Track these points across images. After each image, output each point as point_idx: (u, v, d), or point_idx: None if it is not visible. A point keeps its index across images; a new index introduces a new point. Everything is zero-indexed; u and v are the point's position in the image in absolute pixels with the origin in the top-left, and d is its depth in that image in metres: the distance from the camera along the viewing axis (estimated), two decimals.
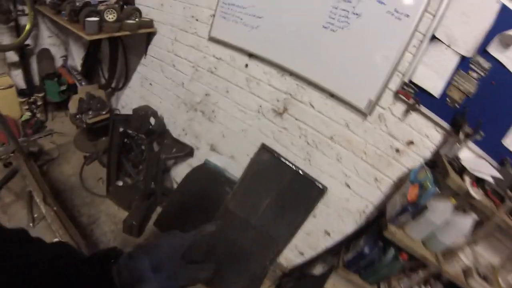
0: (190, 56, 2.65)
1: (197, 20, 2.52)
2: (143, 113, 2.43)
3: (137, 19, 2.68)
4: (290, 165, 2.18)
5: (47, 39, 3.52)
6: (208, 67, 2.55)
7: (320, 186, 2.08)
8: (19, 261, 0.48)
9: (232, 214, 2.31)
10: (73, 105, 3.19)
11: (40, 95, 3.51)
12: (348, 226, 2.08)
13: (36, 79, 3.62)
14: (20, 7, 3.09)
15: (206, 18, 2.45)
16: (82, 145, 3.54)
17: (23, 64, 3.37)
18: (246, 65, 2.31)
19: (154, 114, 2.58)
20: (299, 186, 2.14)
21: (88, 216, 2.82)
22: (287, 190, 2.18)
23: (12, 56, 3.28)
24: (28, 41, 3.24)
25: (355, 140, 1.96)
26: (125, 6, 2.63)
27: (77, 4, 2.44)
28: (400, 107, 1.80)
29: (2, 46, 2.97)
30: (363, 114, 1.89)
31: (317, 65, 1.95)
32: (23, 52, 3.30)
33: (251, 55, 2.26)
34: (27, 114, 3.45)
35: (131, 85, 3.37)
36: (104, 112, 3.26)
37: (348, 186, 2.04)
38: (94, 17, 2.28)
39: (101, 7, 2.48)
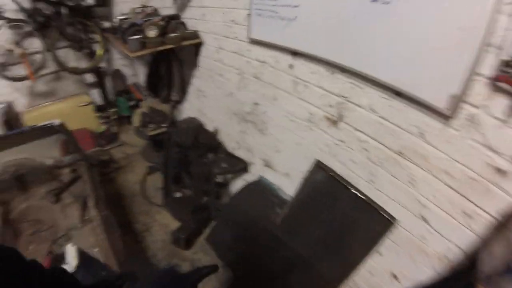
0: (235, 63, 2.49)
1: (236, 23, 2.34)
2: (186, 126, 2.37)
3: (181, 32, 2.68)
4: (350, 187, 1.79)
5: (118, 61, 3.87)
6: (252, 72, 2.35)
7: (387, 217, 1.66)
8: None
9: (279, 242, 2.05)
10: (136, 119, 3.39)
11: (114, 110, 3.84)
12: (422, 272, 1.58)
13: (111, 96, 4.00)
14: (91, 36, 3.45)
15: (243, 19, 2.25)
16: (148, 155, 3.73)
17: (99, 83, 3.74)
18: (291, 66, 2.01)
19: (198, 127, 2.50)
20: (361, 215, 1.74)
21: (143, 223, 2.91)
22: (345, 218, 1.81)
23: (90, 78, 3.67)
24: (102, 64, 3.59)
25: (433, 156, 1.43)
26: (171, 21, 2.66)
27: (125, 26, 2.57)
28: (502, 102, 1.15)
29: (80, 69, 3.33)
30: (444, 117, 1.31)
31: (372, 54, 1.45)
32: (99, 73, 3.65)
33: (294, 53, 1.95)
34: (103, 127, 3.81)
35: (188, 98, 3.41)
36: (164, 125, 3.37)
37: (424, 219, 1.55)
38: (137, 35, 2.35)
39: (144, 25, 2.55)
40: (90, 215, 2.20)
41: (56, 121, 2.41)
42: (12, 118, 3.45)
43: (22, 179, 2.67)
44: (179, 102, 3.54)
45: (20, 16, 3.17)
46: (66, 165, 2.78)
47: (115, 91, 3.92)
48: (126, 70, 4.01)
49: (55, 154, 2.76)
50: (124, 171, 3.51)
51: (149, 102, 3.57)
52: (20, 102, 3.51)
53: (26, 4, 3.09)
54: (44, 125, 2.40)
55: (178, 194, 3.15)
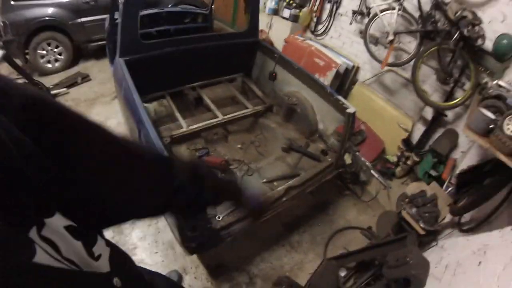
0: None
1: None
2: None
3: None
4: None
5: (463, 120, 2.98)
6: None
7: None
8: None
9: None
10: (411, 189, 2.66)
11: (415, 158, 3.26)
12: None
13: (425, 146, 3.37)
14: (463, 80, 2.81)
15: None
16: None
17: (430, 126, 3.21)
18: None
19: None
20: None
21: None
22: None
23: (428, 113, 3.20)
24: (449, 112, 2.99)
25: None
26: None
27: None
28: None
29: (428, 100, 2.92)
30: None
31: None
32: (439, 116, 3.09)
33: None
34: (392, 157, 3.39)
35: None
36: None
37: None
38: None
39: None
40: None
41: (352, 109, 2.35)
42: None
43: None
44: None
45: (414, 13, 3.05)
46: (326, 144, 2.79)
47: (436, 146, 3.23)
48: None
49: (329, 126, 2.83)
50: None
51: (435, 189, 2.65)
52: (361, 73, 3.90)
53: (426, 7, 2.90)
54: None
55: None
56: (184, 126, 2.63)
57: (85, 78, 5.11)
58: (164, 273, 2.31)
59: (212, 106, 2.93)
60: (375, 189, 3.10)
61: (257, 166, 2.50)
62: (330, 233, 2.71)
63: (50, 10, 4.98)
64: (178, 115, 2.76)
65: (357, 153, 2.68)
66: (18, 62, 4.87)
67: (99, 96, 4.61)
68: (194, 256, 2.47)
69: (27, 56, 5.12)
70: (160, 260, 2.45)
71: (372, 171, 2.84)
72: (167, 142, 2.45)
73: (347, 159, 2.71)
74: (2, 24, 4.71)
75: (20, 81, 3.64)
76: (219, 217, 1.94)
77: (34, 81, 4.16)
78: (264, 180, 2.38)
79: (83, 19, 5.21)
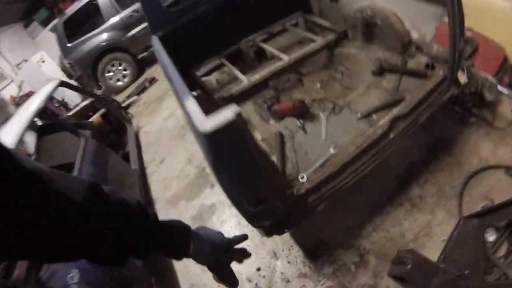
0: None
1: None
2: None
3: None
4: None
5: None
6: None
7: None
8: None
9: None
10: None
11: None
12: None
13: None
14: None
15: None
16: None
17: None
18: None
19: None
20: None
21: None
22: None
23: None
24: None
25: None
26: None
27: None
28: None
29: None
30: None
31: None
32: None
33: None
34: None
35: None
36: None
37: None
38: None
39: None
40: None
41: None
42: None
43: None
44: None
45: None
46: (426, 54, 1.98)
47: None
48: None
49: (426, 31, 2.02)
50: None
51: None
52: None
53: None
54: None
55: None
56: (245, 80, 2.20)
57: (152, 80, 5.35)
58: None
59: (276, 52, 2.42)
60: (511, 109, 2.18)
61: (345, 101, 1.85)
62: (462, 180, 1.91)
63: (103, 37, 5.31)
64: (237, 72, 2.34)
65: (471, 68, 1.96)
66: (96, 90, 5.39)
67: (166, 91, 4.61)
68: (286, 236, 2.04)
69: (100, 84, 5.58)
70: (245, 244, 2.10)
71: (500, 88, 2.04)
72: (221, 103, 2.06)
73: (460, 77, 1.94)
74: (69, 65, 5.23)
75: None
76: (302, 177, 1.42)
77: (109, 99, 4.34)
78: (359, 115, 1.75)
79: (133, 32, 5.40)
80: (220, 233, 0.82)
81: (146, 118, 4.43)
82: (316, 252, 1.88)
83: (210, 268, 0.80)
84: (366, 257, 1.76)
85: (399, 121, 1.57)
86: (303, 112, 1.82)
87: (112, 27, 5.31)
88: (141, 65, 5.83)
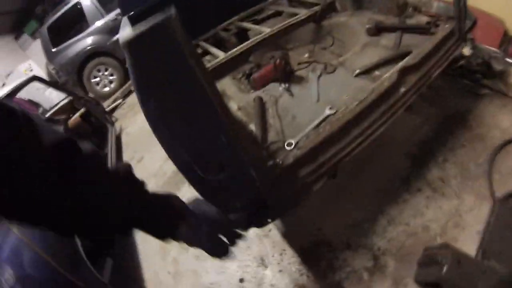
0: None
1: None
2: None
3: None
4: None
5: None
6: None
7: None
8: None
9: None
10: None
11: None
12: None
13: None
14: None
15: None
16: None
17: None
18: None
19: None
20: None
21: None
22: None
23: None
24: None
25: None
26: None
27: None
28: None
29: None
30: None
31: None
32: None
33: None
34: None
35: None
36: None
37: None
38: None
39: None
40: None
41: None
42: None
43: None
44: None
45: None
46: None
47: None
48: None
49: None
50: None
51: None
52: None
53: None
54: None
55: None
56: (221, 55, 1.83)
57: None
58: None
59: (257, 27, 2.07)
60: None
61: (339, 61, 1.53)
62: (487, 155, 1.54)
63: (87, 41, 5.08)
64: (212, 49, 1.97)
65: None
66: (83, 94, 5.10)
67: None
68: (277, 237, 1.64)
69: (86, 90, 5.29)
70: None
71: (507, 59, 1.94)
72: None
73: (465, 51, 1.94)
74: (53, 71, 4.98)
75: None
76: (290, 144, 1.05)
77: (89, 99, 4.02)
78: (357, 71, 1.38)
79: (118, 35, 5.15)
80: (213, 209, 0.70)
81: (129, 120, 4.16)
82: (316, 256, 1.48)
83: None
84: (382, 259, 1.35)
85: (409, 74, 1.23)
86: (287, 74, 1.46)
87: (97, 31, 5.08)
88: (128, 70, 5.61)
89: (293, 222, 1.64)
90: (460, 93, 2.03)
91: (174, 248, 1.88)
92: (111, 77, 5.31)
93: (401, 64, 1.24)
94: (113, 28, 5.11)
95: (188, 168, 0.76)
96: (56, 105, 3.60)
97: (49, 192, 0.47)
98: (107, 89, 5.32)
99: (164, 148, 0.78)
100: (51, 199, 0.47)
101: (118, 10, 4.98)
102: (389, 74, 1.19)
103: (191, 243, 0.64)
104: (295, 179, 0.93)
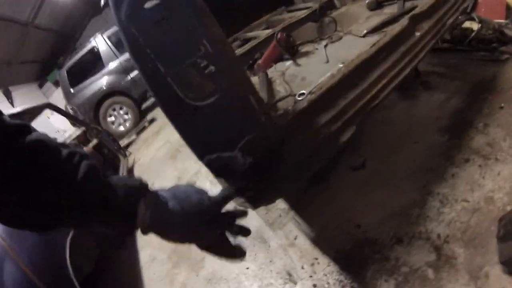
0: None
1: None
2: None
3: None
4: None
5: None
6: None
7: None
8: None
9: None
10: None
11: None
12: None
13: None
14: None
15: None
16: None
17: None
18: None
19: None
20: None
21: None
22: None
23: None
24: None
25: None
26: None
27: None
28: None
29: None
30: None
31: None
32: None
33: None
34: None
35: None
36: None
37: None
38: None
39: None
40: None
41: None
42: None
43: None
44: None
45: None
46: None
47: None
48: None
49: None
50: None
51: None
52: None
53: None
54: None
55: None
56: None
57: (152, 121, 5.20)
58: None
59: (258, 33, 1.99)
60: None
61: (344, 32, 1.38)
62: None
63: (103, 81, 5.29)
64: None
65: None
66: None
67: (163, 125, 4.48)
68: (303, 245, 1.35)
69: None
70: (244, 268, 1.40)
71: None
72: None
73: (473, 25, 2.02)
74: (71, 110, 5.16)
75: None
76: (302, 95, 0.82)
77: (102, 130, 4.08)
78: (365, 31, 1.20)
79: (132, 75, 5.32)
80: (201, 192, 0.53)
81: (142, 152, 4.18)
82: (359, 260, 1.17)
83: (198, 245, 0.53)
84: (447, 248, 1.04)
85: (421, 21, 1.11)
86: (291, 47, 1.30)
87: (112, 72, 5.30)
88: (142, 110, 5.75)
89: (324, 222, 1.36)
90: (480, 64, 1.92)
91: (183, 271, 1.62)
92: (126, 116, 5.42)
93: (410, 13, 1.12)
94: (126, 68, 5.32)
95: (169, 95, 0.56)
96: (70, 136, 3.60)
97: None
98: (122, 128, 5.42)
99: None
100: None
101: None
102: (399, 23, 1.05)
103: (161, 231, 0.49)
104: (314, 127, 0.70)
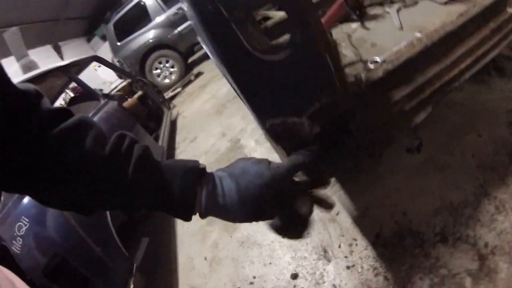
0: None
1: None
2: None
3: None
4: None
5: None
6: None
7: None
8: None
9: None
10: None
11: None
12: None
13: None
14: None
15: None
16: None
17: None
18: None
19: None
20: None
21: None
22: None
23: None
24: None
25: None
26: None
27: None
28: None
29: None
30: None
31: None
32: None
33: None
34: None
35: None
36: None
37: None
38: None
39: None
40: None
41: None
42: None
43: None
44: None
45: None
46: None
47: None
48: None
49: None
50: None
51: None
52: None
53: None
54: None
55: None
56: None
57: (198, 75, 5.24)
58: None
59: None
60: None
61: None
62: None
63: (149, 35, 5.34)
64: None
65: None
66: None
67: (210, 79, 4.46)
68: (345, 223, 1.30)
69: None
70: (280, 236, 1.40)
71: None
72: None
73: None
74: (118, 63, 5.34)
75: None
76: (374, 62, 0.70)
77: (147, 82, 4.19)
78: None
79: (179, 29, 5.32)
80: (261, 162, 0.46)
81: (186, 105, 4.22)
82: (398, 250, 1.11)
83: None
84: (491, 260, 0.94)
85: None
86: (358, 7, 1.14)
87: (159, 25, 5.32)
88: (189, 63, 5.78)
89: (369, 203, 1.29)
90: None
91: (216, 230, 1.65)
92: (172, 69, 5.52)
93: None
94: (174, 22, 5.30)
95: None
96: (115, 87, 3.74)
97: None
98: (167, 80, 5.54)
99: None
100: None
101: (178, 5, 5.14)
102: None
103: (219, 214, 0.46)
104: (388, 102, 0.61)
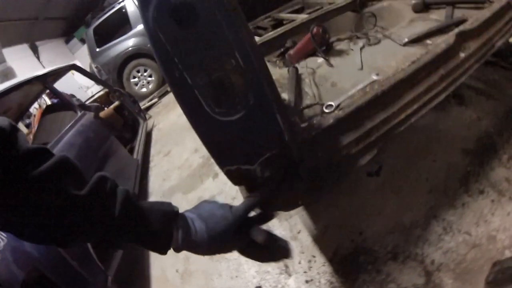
0: None
1: None
2: None
3: None
4: None
5: None
6: None
7: None
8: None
9: None
10: None
11: None
12: None
13: None
14: None
15: None
16: None
17: None
18: None
19: None
20: None
21: None
22: None
23: None
24: None
25: None
26: None
27: None
28: None
29: None
30: None
31: None
32: None
33: None
34: None
35: None
36: None
37: None
38: None
39: None
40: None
41: None
42: None
43: None
44: None
45: None
46: None
47: None
48: None
49: None
50: None
51: None
52: None
53: None
54: None
55: None
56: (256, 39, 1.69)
57: None
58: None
59: (293, 16, 1.96)
60: None
61: (384, 34, 1.32)
62: None
63: (129, 42, 5.31)
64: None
65: None
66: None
67: None
68: (306, 240, 1.41)
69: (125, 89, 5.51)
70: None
71: None
72: None
73: None
74: (96, 69, 5.25)
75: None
76: (330, 107, 0.82)
77: (124, 92, 4.14)
78: (406, 39, 1.16)
79: None
80: (224, 207, 0.57)
81: (162, 117, 4.22)
82: (353, 267, 1.23)
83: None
84: (437, 276, 1.09)
85: (468, 40, 1.04)
86: (325, 43, 1.28)
87: (139, 34, 5.30)
88: None
89: (328, 222, 1.41)
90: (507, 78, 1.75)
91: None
92: (149, 78, 5.48)
93: (458, 28, 1.05)
94: None
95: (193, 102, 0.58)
96: (92, 93, 3.70)
97: None
98: (144, 90, 5.49)
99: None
100: None
101: None
102: (445, 37, 0.99)
103: (192, 250, 0.55)
104: (336, 147, 0.73)
